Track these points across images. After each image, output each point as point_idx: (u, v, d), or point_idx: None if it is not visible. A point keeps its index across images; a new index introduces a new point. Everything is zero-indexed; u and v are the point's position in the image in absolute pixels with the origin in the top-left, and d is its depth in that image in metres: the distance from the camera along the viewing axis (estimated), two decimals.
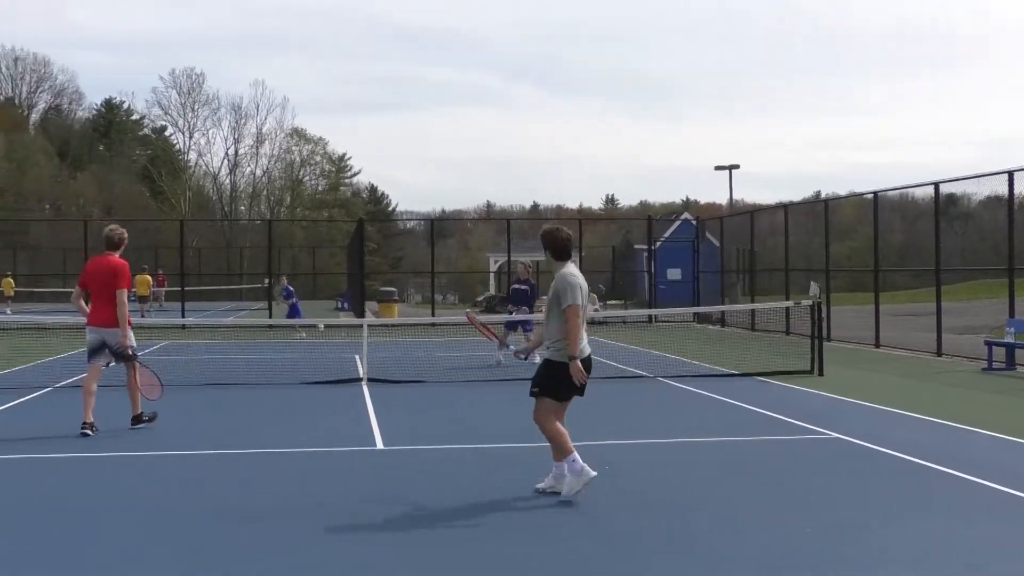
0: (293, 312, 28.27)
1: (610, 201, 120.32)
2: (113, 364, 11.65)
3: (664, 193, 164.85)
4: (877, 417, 12.56)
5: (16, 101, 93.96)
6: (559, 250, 8.16)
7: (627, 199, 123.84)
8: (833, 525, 7.19)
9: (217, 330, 30.21)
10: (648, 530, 7.09)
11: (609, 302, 42.99)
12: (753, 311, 29.71)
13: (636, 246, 52.07)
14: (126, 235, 11.70)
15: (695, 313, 33.76)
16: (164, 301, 46.11)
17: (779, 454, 10.23)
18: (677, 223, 47.98)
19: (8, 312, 39.03)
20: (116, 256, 11.46)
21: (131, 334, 11.41)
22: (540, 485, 8.15)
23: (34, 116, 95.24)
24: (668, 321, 34.59)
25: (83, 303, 11.63)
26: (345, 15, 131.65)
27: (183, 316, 34.94)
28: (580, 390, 8.05)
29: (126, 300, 11.29)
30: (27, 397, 14.51)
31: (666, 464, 9.66)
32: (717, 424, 12.16)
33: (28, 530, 7.18)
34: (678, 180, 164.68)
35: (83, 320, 11.75)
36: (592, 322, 32.70)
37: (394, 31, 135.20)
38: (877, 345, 23.03)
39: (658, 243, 39.59)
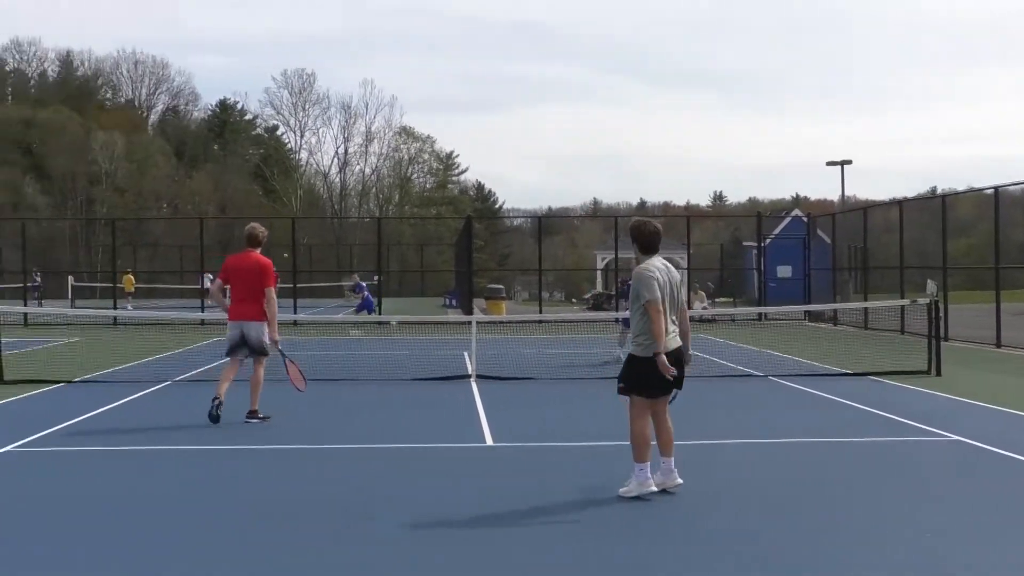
0: (365, 304, 28.65)
1: (718, 198, 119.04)
2: (249, 358, 11.88)
3: (773, 190, 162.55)
4: (998, 419, 12.21)
5: (136, 103, 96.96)
6: (645, 244, 8.07)
7: (735, 196, 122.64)
8: (952, 529, 7.03)
9: (328, 326, 30.72)
10: (764, 531, 7.01)
11: (718, 300, 42.51)
12: (866, 309, 29.07)
13: (745, 243, 51.40)
14: (267, 232, 12.06)
15: (806, 311, 33.19)
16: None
17: (895, 456, 10.00)
18: (787, 220, 47.14)
19: (129, 308, 40.29)
20: (259, 253, 11.89)
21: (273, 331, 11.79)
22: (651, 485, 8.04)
23: (153, 117, 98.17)
24: (778, 319, 34.09)
25: (223, 297, 11.99)
26: (452, 13, 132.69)
27: (295, 313, 35.59)
28: (671, 386, 7.95)
29: (274, 296, 11.72)
30: (145, 391, 14.92)
31: (778, 464, 9.52)
32: (830, 424, 11.94)
33: (143, 519, 7.40)
34: (788, 176, 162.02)
35: (217, 314, 12.07)
36: (700, 320, 32.46)
37: (503, 28, 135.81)
38: (998, 345, 22.36)
39: (768, 240, 39.02)
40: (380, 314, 32.03)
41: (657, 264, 7.97)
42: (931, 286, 19.11)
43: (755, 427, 11.82)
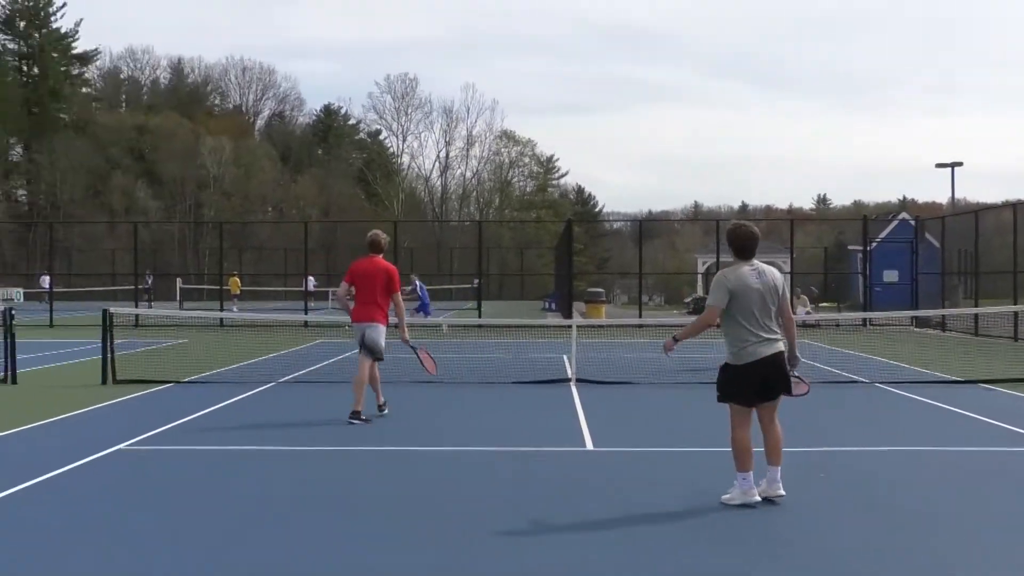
0: (421, 307, 29.21)
1: (822, 201, 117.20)
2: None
3: (879, 192, 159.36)
4: None
5: (243, 108, 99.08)
6: (739, 248, 7.83)
7: (840, 199, 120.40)
8: None
9: (427, 329, 30.94)
10: (875, 541, 6.83)
11: (821, 305, 41.80)
12: (977, 315, 28.31)
13: (850, 247, 50.48)
14: (388, 239, 12.57)
15: (913, 317, 32.43)
16: None
17: (1009, 466, 9.68)
18: (894, 223, 46.24)
19: (235, 310, 41.11)
20: (382, 259, 12.22)
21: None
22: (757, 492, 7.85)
23: (259, 123, 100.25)
24: (884, 325, 33.34)
25: (348, 301, 12.30)
26: (552, 17, 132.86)
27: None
28: (768, 392, 7.77)
29: (401, 300, 12.41)
30: (251, 392, 15.17)
31: (889, 474, 9.27)
32: (939, 432, 11.64)
33: (249, 517, 7.50)
34: (894, 178, 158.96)
35: (321, 316, 12.40)
36: (803, 325, 31.91)
37: (601, 31, 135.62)
38: None
39: (873, 244, 38.22)
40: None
41: (743, 270, 7.71)
42: None
43: (862, 435, 11.54)
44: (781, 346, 7.80)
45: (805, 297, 37.07)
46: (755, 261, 7.81)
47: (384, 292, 12.07)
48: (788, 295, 7.99)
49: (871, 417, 13.00)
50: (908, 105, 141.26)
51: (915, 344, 25.62)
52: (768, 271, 7.80)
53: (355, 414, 11.84)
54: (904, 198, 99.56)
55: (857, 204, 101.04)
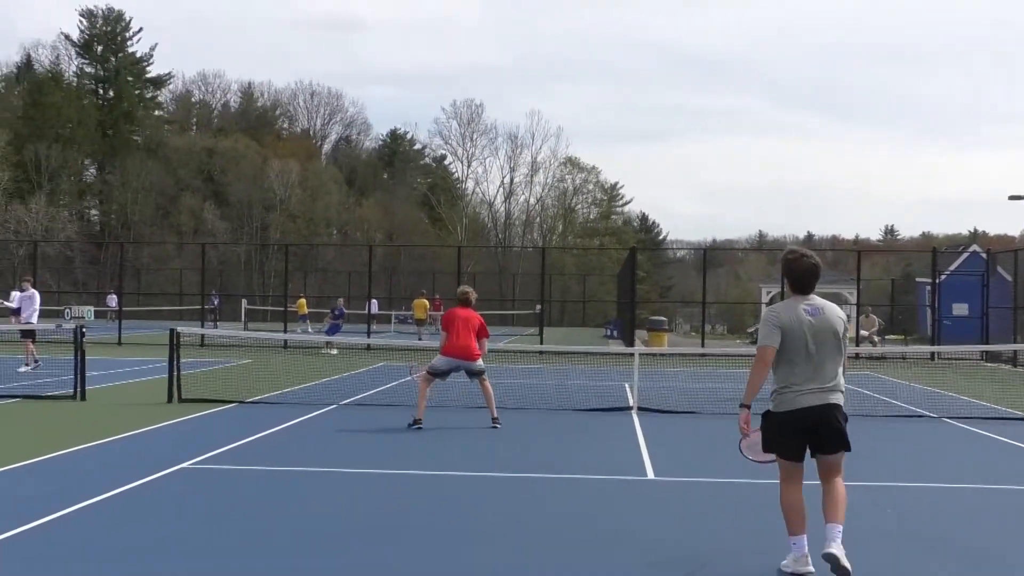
0: (332, 329, 31.13)
1: (889, 232, 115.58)
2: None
3: (949, 224, 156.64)
4: None
5: (311, 132, 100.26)
6: (796, 281, 6.78)
7: (908, 230, 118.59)
8: None
9: (489, 354, 30.94)
10: None
11: (887, 337, 41.19)
12: None
13: (918, 279, 49.74)
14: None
15: (984, 351, 31.81)
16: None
17: None
18: (964, 255, 45.41)
19: (309, 330, 41.49)
20: (473, 311, 14.73)
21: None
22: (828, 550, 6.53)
23: (326, 146, 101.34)
24: (953, 359, 32.77)
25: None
26: (618, 45, 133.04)
27: None
28: (818, 447, 6.69)
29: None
30: (312, 413, 15.26)
31: (956, 511, 9.09)
32: (1011, 471, 11.37)
33: (305, 539, 7.53)
34: (964, 210, 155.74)
35: (382, 340, 13.01)
36: (870, 358, 31.47)
37: (667, 59, 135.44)
38: None
39: (943, 276, 37.60)
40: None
41: (798, 306, 6.68)
42: None
43: (930, 471, 11.33)
44: (836, 398, 6.70)
45: (874, 317, 36.33)
46: (813, 296, 6.79)
47: (478, 335, 14.53)
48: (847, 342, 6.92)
49: (939, 453, 12.77)
50: (979, 136, 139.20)
51: (985, 379, 25.13)
52: (828, 308, 6.74)
53: (496, 420, 14.17)
54: (975, 230, 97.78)
55: (926, 235, 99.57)
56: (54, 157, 78.01)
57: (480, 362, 14.51)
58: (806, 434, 6.65)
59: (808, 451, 6.74)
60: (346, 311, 33.82)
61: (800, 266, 6.74)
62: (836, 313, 6.75)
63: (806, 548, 6.65)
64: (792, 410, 6.60)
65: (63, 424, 13.72)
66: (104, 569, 6.64)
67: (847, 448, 6.77)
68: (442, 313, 47.82)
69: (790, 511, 6.74)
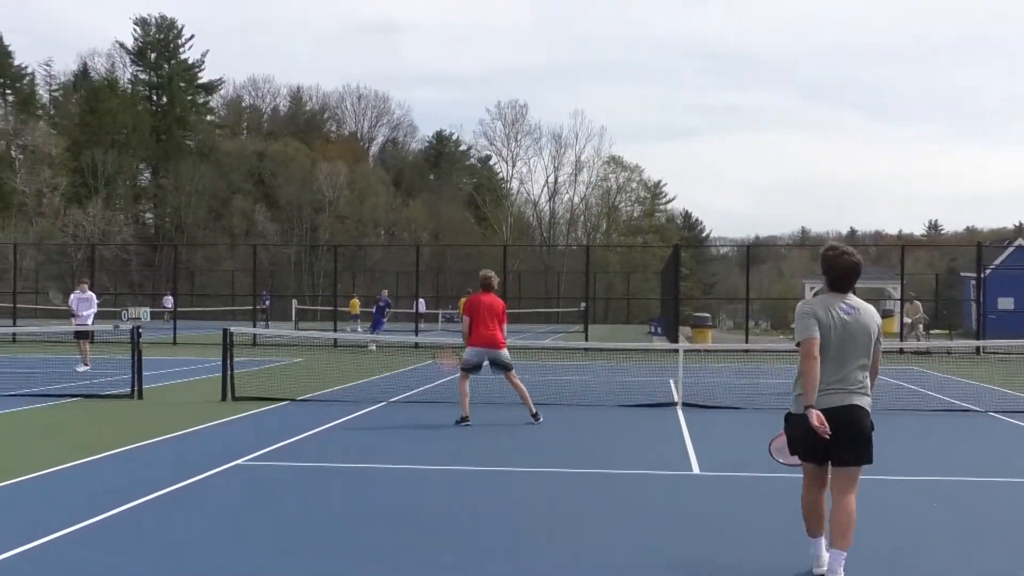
0: (376, 325, 30.95)
1: (933, 227, 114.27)
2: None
3: (993, 218, 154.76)
4: None
5: (358, 135, 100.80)
6: (835, 279, 6.35)
7: (951, 224, 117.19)
8: None
9: (536, 351, 30.97)
10: (988, 571, 6.61)
11: (932, 332, 40.70)
12: None
13: (963, 274, 49.09)
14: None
15: None
16: None
17: None
18: (1010, 250, 44.80)
19: (359, 330, 41.70)
20: (496, 296, 14.23)
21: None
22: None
23: (373, 148, 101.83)
24: (999, 353, 32.30)
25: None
26: (660, 45, 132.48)
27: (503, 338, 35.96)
28: (837, 453, 6.20)
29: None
30: (363, 411, 15.33)
31: (1003, 505, 8.96)
32: None
33: (356, 534, 7.57)
34: (1009, 204, 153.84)
35: (430, 338, 13.02)
36: (915, 352, 31.09)
37: (709, 58, 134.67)
38: None
39: (988, 270, 37.10)
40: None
41: (834, 302, 6.28)
42: None
43: (977, 464, 11.17)
44: (861, 401, 6.24)
45: (918, 304, 35.82)
46: (851, 296, 6.37)
47: (502, 321, 14.18)
48: (880, 345, 6.43)
49: (985, 446, 12.60)
50: (1022, 130, 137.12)
51: None
52: (865, 309, 6.33)
53: (535, 415, 13.96)
54: (1020, 224, 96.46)
55: (970, 230, 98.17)
56: (110, 162, 79.05)
57: (506, 351, 14.14)
58: (831, 437, 6.08)
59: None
60: (391, 302, 33.96)
61: (840, 264, 6.31)
62: (873, 315, 6.35)
63: (823, 550, 6.38)
64: (820, 409, 6.09)
65: (121, 422, 13.89)
66: (167, 561, 6.71)
67: (868, 460, 6.28)
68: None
69: (808, 514, 6.48)
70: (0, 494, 8.85)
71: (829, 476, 6.39)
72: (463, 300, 43.01)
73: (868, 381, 6.31)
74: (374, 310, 35.77)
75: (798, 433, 6.25)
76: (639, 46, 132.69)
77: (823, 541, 6.38)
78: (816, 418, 5.99)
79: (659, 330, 45.72)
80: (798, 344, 6.22)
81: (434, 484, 9.76)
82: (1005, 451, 12.29)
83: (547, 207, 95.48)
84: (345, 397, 17.16)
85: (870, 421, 6.25)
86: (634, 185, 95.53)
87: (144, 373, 17.16)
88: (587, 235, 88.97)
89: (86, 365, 21.66)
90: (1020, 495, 9.49)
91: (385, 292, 37.52)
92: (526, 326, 52.37)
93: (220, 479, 9.67)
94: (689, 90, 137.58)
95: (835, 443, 6.10)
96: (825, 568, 6.20)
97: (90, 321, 22.59)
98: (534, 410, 14.00)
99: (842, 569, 6.07)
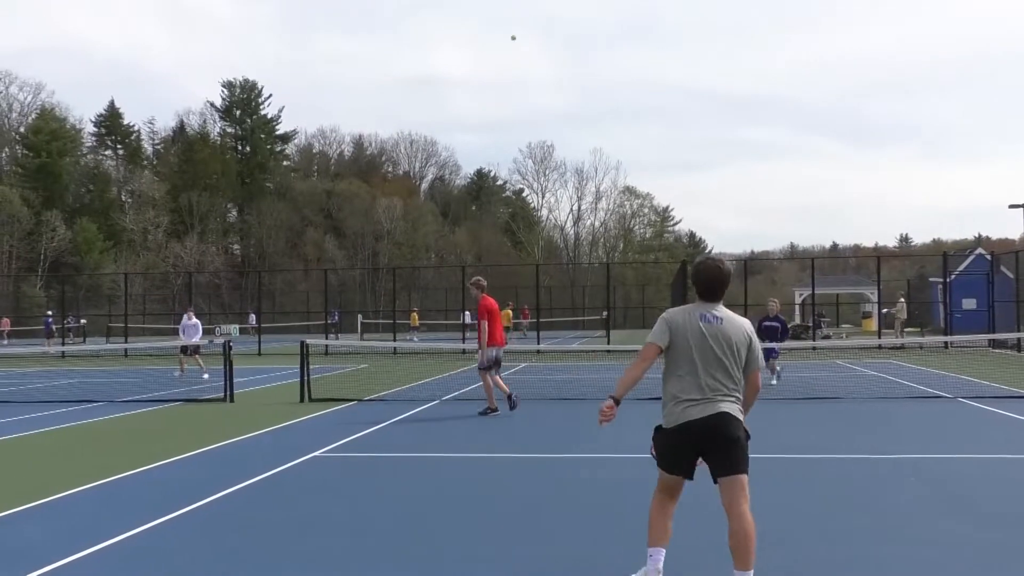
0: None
1: (904, 239, 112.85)
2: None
3: (956, 231, 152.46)
4: None
5: (410, 174, 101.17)
6: (700, 289, 5.33)
7: (920, 237, 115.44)
8: None
9: (564, 354, 30.92)
10: (962, 537, 6.50)
11: (906, 330, 40.20)
12: None
13: (931, 279, 48.47)
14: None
15: (991, 339, 30.88)
16: (527, 331, 47.61)
17: None
18: (971, 258, 44.12)
19: (416, 339, 41.80)
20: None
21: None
22: None
23: (423, 185, 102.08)
24: (964, 347, 31.87)
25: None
26: (667, 88, 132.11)
27: (538, 343, 36.00)
28: (671, 463, 5.27)
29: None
30: (420, 408, 15.35)
31: (973, 478, 8.82)
32: (1020, 442, 11.01)
33: (429, 516, 7.56)
34: (969, 219, 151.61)
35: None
36: (892, 348, 30.75)
37: (708, 98, 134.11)
38: None
39: (952, 276, 36.63)
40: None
41: (696, 312, 5.26)
42: None
43: (948, 443, 11.01)
44: (729, 408, 5.17)
45: (903, 303, 36.65)
46: (720, 306, 5.30)
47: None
48: (760, 359, 5.38)
49: (955, 427, 12.42)
50: (981, 152, 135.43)
51: (992, 364, 24.39)
52: (731, 320, 5.26)
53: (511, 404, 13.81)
54: (979, 235, 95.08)
55: (936, 241, 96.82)
56: (203, 203, 79.93)
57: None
58: (695, 449, 5.20)
59: (711, 476, 5.26)
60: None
61: (705, 275, 5.29)
62: (739, 327, 5.26)
63: (660, 563, 5.26)
64: (680, 424, 5.17)
65: (218, 422, 13.99)
66: (257, 542, 6.74)
67: (742, 469, 5.19)
68: (528, 321, 48.21)
69: (656, 522, 5.35)
70: (122, 484, 8.94)
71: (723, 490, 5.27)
72: (503, 311, 43.07)
73: (738, 390, 5.25)
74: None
75: (663, 447, 5.30)
76: (650, 91, 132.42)
77: (663, 553, 5.29)
78: (606, 406, 5.29)
79: None
80: (647, 341, 5.38)
81: (483, 468, 9.73)
82: (973, 431, 12.09)
83: (572, 231, 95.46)
84: (404, 397, 17.18)
85: (744, 429, 5.24)
86: (646, 211, 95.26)
87: (235, 380, 17.27)
88: (607, 254, 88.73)
89: (206, 374, 22.23)
90: (986, 468, 9.33)
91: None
92: (557, 332, 52.23)
93: (302, 468, 9.71)
94: (692, 128, 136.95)
95: (707, 455, 5.19)
96: None
97: (196, 340, 23.10)
98: (494, 405, 13.92)
99: None
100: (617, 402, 5.33)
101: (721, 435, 5.14)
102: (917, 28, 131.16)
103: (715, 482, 5.23)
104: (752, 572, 5.09)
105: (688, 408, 5.15)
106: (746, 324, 5.33)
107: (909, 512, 7.32)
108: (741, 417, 5.24)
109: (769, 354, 17.58)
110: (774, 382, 16.97)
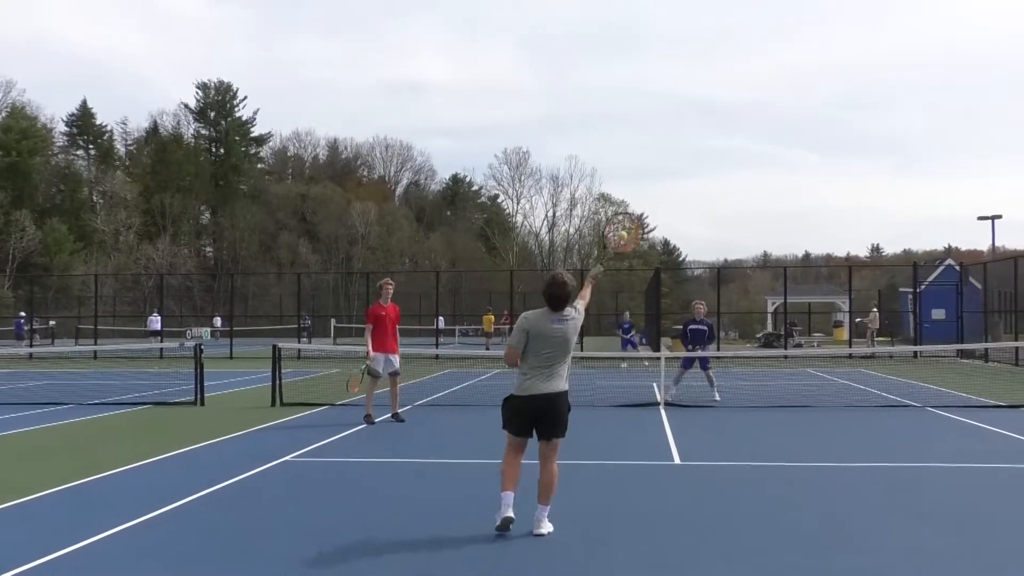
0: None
1: (875, 249, 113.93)
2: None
3: (926, 242, 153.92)
4: None
5: (386, 178, 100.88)
6: (547, 299, 7.01)
7: (891, 247, 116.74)
8: None
9: None
10: (923, 543, 6.59)
11: (877, 339, 40.60)
12: (1017, 348, 27.16)
13: (901, 289, 48.94)
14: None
15: (959, 349, 31.25)
16: (506, 337, 47.59)
17: None
18: (940, 268, 44.65)
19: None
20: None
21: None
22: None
23: (399, 190, 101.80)
24: (933, 356, 32.22)
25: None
26: (643, 96, 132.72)
27: None
28: (541, 430, 6.97)
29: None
30: (391, 413, 15.26)
31: (938, 485, 8.93)
32: (985, 451, 11.16)
33: (408, 521, 7.57)
34: (939, 230, 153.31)
35: (456, 350, 12.87)
36: (862, 357, 30.99)
37: (684, 107, 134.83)
38: None
39: (922, 286, 37.04)
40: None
41: (545, 316, 6.97)
42: None
43: (914, 451, 11.13)
44: (562, 386, 6.97)
45: (876, 313, 37.50)
46: (565, 310, 7.01)
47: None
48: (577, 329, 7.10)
49: (922, 436, 12.55)
50: (951, 165, 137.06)
51: (960, 374, 24.68)
52: (570, 319, 7.01)
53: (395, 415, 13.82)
54: (949, 246, 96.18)
55: (907, 252, 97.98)
56: (176, 205, 79.31)
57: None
58: (535, 416, 6.94)
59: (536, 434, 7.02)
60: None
61: (547, 291, 7.00)
62: (575, 324, 7.05)
63: (511, 502, 6.89)
64: (530, 395, 6.89)
65: (188, 425, 13.89)
66: (225, 547, 6.72)
67: (562, 434, 7.05)
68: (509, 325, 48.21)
69: (508, 473, 7.01)
70: (91, 487, 8.87)
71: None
72: (484, 317, 43.13)
73: (567, 371, 7.04)
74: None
75: (512, 412, 6.99)
76: (625, 99, 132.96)
77: (511, 495, 6.90)
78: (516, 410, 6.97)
79: (644, 340, 45.55)
80: (508, 345, 7.08)
81: (451, 474, 9.74)
82: (939, 439, 12.24)
83: (547, 237, 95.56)
84: (376, 401, 17.07)
85: (567, 404, 7.05)
86: (620, 217, 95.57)
87: (205, 383, 17.17)
88: (581, 260, 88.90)
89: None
90: (950, 476, 9.46)
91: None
92: None
93: (272, 473, 9.67)
94: (667, 136, 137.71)
95: (539, 422, 6.96)
96: (511, 513, 6.84)
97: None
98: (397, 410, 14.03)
99: (547, 518, 6.92)
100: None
101: (553, 411, 6.95)
102: (890, 40, 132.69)
103: (540, 439, 7.03)
104: (549, 507, 6.97)
105: (536, 382, 6.91)
106: (578, 322, 7.12)
107: (871, 520, 7.40)
108: (567, 389, 7.04)
109: (703, 365, 17.44)
110: (717, 398, 16.86)
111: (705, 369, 17.42)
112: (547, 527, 6.90)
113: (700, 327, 17.45)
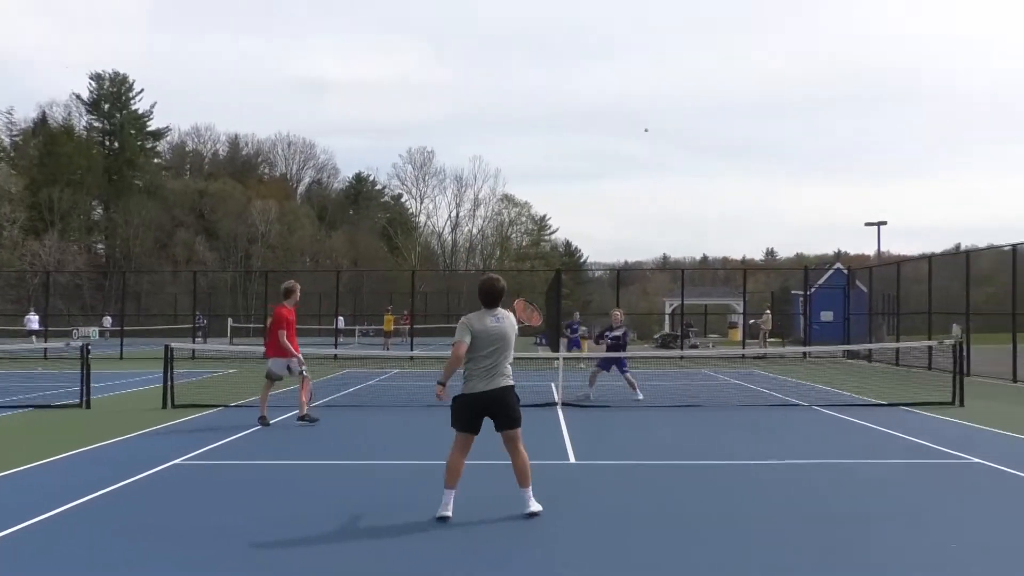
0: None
1: (770, 253, 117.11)
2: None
3: (817, 246, 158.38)
4: (1014, 444, 11.70)
5: (288, 176, 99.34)
6: (483, 299, 7.56)
7: (785, 251, 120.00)
8: (972, 544, 6.72)
9: (440, 360, 30.78)
10: (814, 539, 6.79)
11: (770, 340, 41.73)
12: (898, 349, 28.24)
13: (793, 292, 50.43)
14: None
15: (845, 350, 32.32)
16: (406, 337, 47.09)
17: (921, 476, 9.63)
18: (830, 272, 46.14)
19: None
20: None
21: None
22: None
23: (300, 188, 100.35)
24: (821, 357, 33.27)
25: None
26: (546, 100, 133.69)
27: (411, 349, 35.86)
28: (464, 425, 7.43)
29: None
30: (288, 414, 14.98)
31: (823, 482, 9.22)
32: (865, 448, 11.56)
33: (278, 522, 7.44)
34: (830, 235, 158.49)
35: (354, 351, 12.65)
36: (755, 357, 31.85)
37: (587, 112, 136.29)
38: (1015, 380, 21.52)
39: (812, 289, 38.20)
40: None
41: (485, 316, 7.49)
42: (956, 329, 18.50)
43: (802, 450, 11.47)
44: (507, 382, 7.47)
45: (769, 315, 38.59)
46: (498, 310, 7.57)
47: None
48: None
49: (809, 435, 12.93)
50: (842, 172, 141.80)
51: (847, 373, 25.54)
52: (506, 318, 7.58)
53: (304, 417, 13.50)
54: (838, 251, 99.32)
55: (799, 256, 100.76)
56: (65, 199, 76.48)
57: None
58: (483, 413, 7.40)
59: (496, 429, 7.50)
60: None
61: (485, 286, 7.53)
62: (511, 322, 7.61)
63: (451, 501, 7.36)
64: (474, 392, 7.35)
65: (71, 429, 13.43)
66: (106, 553, 6.51)
67: (516, 425, 7.47)
68: (408, 326, 47.95)
69: (452, 469, 7.46)
70: None
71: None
72: (386, 316, 42.76)
73: (510, 368, 7.48)
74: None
75: (460, 409, 7.42)
76: (529, 101, 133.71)
77: (452, 494, 7.38)
78: (439, 392, 7.59)
79: (544, 341, 45.86)
80: (454, 341, 7.42)
81: (347, 477, 9.64)
82: (822, 437, 12.62)
83: (450, 237, 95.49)
84: (272, 403, 16.77)
85: (516, 397, 7.49)
86: (523, 219, 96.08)
87: (92, 385, 16.62)
88: (484, 261, 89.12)
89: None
90: (833, 472, 9.76)
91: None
92: (432, 339, 52.11)
93: (160, 477, 9.42)
94: (571, 139, 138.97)
95: (495, 416, 7.41)
96: (450, 512, 7.29)
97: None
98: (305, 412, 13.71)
99: (532, 498, 7.47)
100: (443, 385, 7.56)
101: (505, 403, 7.39)
102: (784, 49, 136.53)
103: (498, 432, 7.49)
104: (531, 488, 7.53)
105: (483, 381, 7.36)
106: (514, 320, 7.70)
107: (758, 516, 7.59)
108: (513, 384, 7.45)
109: (621, 367, 17.71)
110: (640, 397, 17.16)
111: (623, 372, 17.63)
112: (535, 506, 7.45)
113: (617, 334, 17.72)
